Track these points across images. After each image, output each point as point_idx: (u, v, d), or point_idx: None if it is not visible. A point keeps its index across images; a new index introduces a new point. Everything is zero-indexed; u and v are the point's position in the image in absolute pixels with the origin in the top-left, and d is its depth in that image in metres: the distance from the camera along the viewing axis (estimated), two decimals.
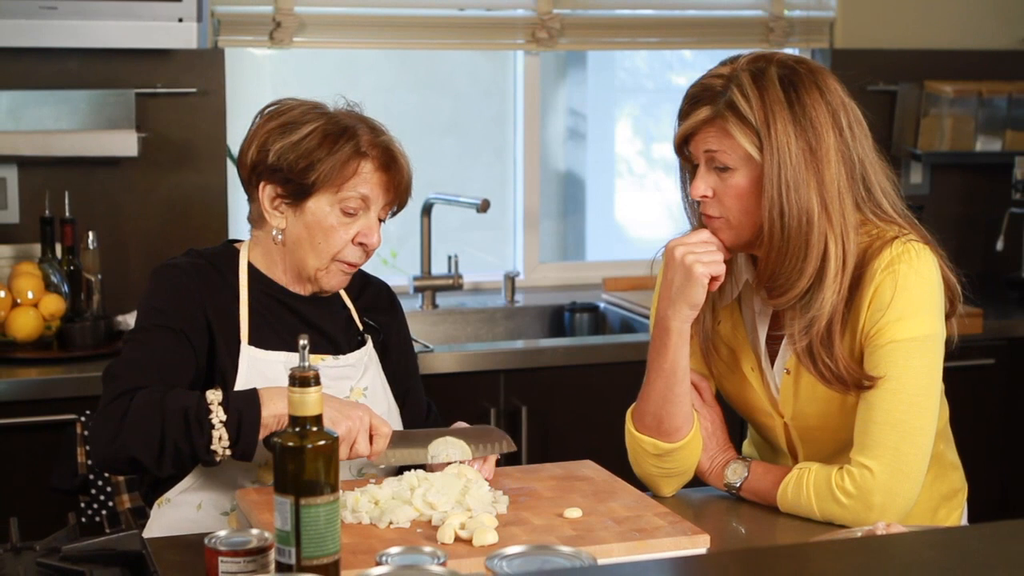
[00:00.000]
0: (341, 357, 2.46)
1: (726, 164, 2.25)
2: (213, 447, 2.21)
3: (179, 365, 2.34)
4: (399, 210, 2.49)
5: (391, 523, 2.10)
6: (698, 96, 2.27)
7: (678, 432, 2.37)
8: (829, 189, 2.23)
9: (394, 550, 1.87)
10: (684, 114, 2.29)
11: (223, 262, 2.46)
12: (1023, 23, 4.60)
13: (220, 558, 1.84)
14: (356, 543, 2.02)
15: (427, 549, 1.87)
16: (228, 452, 2.22)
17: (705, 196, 2.28)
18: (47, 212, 3.62)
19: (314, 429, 1.84)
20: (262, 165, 2.39)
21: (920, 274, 2.25)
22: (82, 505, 3.05)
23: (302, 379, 1.85)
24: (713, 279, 2.30)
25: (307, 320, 2.46)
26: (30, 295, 3.48)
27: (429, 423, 2.59)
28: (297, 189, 2.38)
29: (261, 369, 2.39)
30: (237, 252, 2.49)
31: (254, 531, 1.90)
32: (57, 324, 3.50)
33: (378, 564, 1.82)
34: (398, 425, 2.52)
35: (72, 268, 3.60)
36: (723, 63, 2.30)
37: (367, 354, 2.51)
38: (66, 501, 3.11)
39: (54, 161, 3.71)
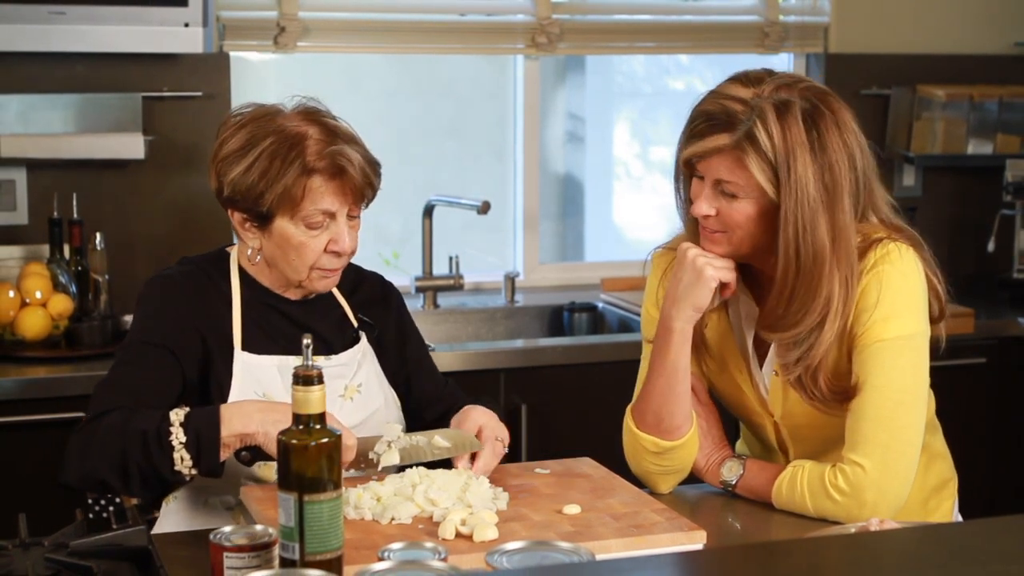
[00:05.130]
0: (333, 357, 2.46)
1: (734, 192, 2.23)
2: (177, 468, 2.20)
3: (162, 383, 2.34)
4: (370, 202, 2.45)
5: (393, 519, 2.11)
6: (716, 118, 2.22)
7: (678, 430, 2.38)
8: (840, 230, 2.22)
9: (396, 546, 1.89)
10: (699, 134, 2.23)
11: (215, 269, 2.48)
12: (1014, 28, 4.62)
13: (225, 553, 1.85)
14: (359, 539, 2.03)
15: (428, 545, 1.89)
16: (194, 471, 2.22)
17: (708, 215, 2.27)
18: (55, 214, 3.63)
19: (318, 427, 1.85)
20: (222, 195, 2.40)
21: (903, 273, 2.27)
22: (89, 501, 3.05)
23: (305, 377, 1.86)
24: (725, 287, 2.31)
25: (299, 323, 2.46)
26: (38, 295, 3.51)
27: (448, 392, 2.60)
28: (258, 215, 2.38)
29: (255, 374, 2.39)
30: (228, 257, 2.50)
31: (258, 527, 1.90)
32: (65, 324, 3.52)
33: (380, 559, 1.84)
34: (396, 417, 2.52)
35: (80, 269, 3.62)
36: (743, 82, 2.25)
37: (361, 351, 2.51)
38: (73, 497, 3.13)
39: (62, 164, 3.73)
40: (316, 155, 2.34)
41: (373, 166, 2.41)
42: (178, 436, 2.20)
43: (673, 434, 2.38)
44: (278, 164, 2.33)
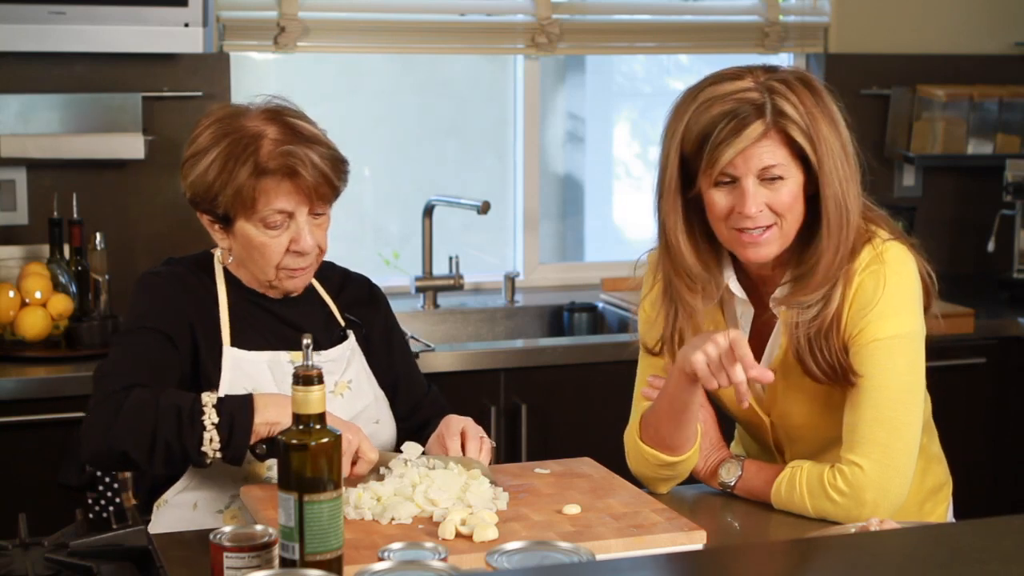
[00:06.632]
0: (322, 353, 2.45)
1: (780, 175, 2.24)
2: (204, 448, 2.21)
3: (166, 365, 2.34)
4: (332, 202, 2.42)
5: (393, 519, 2.12)
6: (739, 113, 2.22)
7: (683, 446, 2.38)
8: (856, 185, 2.29)
9: (396, 546, 1.89)
10: (732, 132, 2.21)
11: (201, 268, 2.48)
12: (1015, 28, 4.62)
13: (225, 554, 1.85)
14: (359, 539, 2.03)
15: (428, 545, 1.89)
16: (218, 455, 2.22)
17: (760, 211, 2.25)
18: (55, 213, 3.63)
19: (317, 427, 1.86)
20: (186, 197, 2.42)
21: (900, 273, 2.28)
22: (89, 501, 3.05)
23: (305, 377, 1.86)
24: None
25: (285, 319, 2.47)
26: (38, 295, 3.51)
27: (428, 400, 2.60)
28: (218, 216, 2.38)
29: (245, 369, 2.40)
30: (212, 257, 2.50)
31: (258, 527, 1.90)
32: (65, 323, 3.52)
33: (380, 559, 1.84)
34: (387, 415, 2.53)
35: (80, 268, 3.62)
36: (731, 78, 2.26)
37: (349, 348, 2.52)
38: (73, 497, 3.13)
39: (62, 163, 3.73)
40: (268, 156, 2.33)
41: (336, 163, 2.38)
42: (211, 417, 2.21)
43: (678, 450, 2.38)
44: (231, 165, 2.33)
